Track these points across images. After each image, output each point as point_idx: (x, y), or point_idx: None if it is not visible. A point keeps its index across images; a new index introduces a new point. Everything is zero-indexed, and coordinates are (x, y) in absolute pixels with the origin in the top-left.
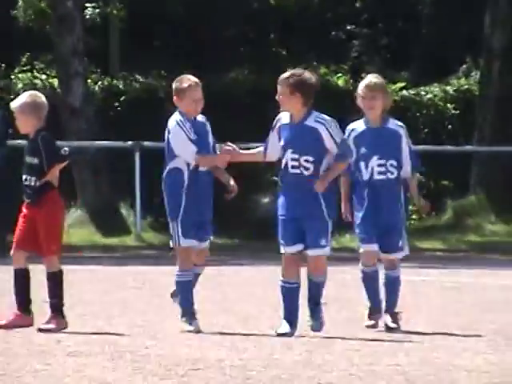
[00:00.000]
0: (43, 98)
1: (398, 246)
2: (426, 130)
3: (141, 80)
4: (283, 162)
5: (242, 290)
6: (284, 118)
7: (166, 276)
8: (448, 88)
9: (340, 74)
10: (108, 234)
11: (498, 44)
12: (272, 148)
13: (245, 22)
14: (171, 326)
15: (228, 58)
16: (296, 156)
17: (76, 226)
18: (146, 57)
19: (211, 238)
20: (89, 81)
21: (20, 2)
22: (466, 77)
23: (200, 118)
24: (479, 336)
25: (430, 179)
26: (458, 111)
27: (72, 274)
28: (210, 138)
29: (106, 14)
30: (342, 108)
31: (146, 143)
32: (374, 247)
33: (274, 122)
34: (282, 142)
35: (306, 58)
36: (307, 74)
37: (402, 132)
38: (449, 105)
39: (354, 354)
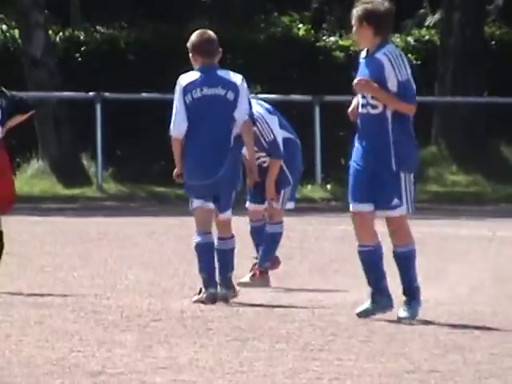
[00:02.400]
0: None
1: None
2: None
3: (102, 31)
4: None
5: None
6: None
7: (127, 227)
8: (409, 38)
9: (301, 25)
10: (69, 185)
11: None
12: None
13: None
14: (132, 277)
15: (188, 9)
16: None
17: (37, 178)
18: (107, 7)
19: None
20: (50, 32)
21: None
22: (421, 23)
23: None
24: (441, 286)
25: None
26: (419, 62)
27: (34, 225)
28: None
29: None
30: (304, 57)
31: (107, 94)
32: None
33: None
34: None
35: (266, 9)
36: (375, 3)
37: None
38: (410, 55)
39: (316, 305)
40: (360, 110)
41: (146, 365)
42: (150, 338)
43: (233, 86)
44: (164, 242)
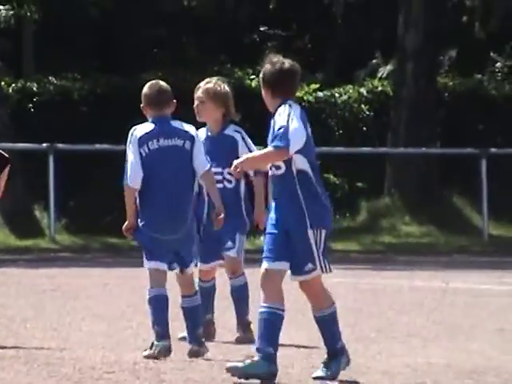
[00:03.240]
0: None
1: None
2: (340, 132)
3: (55, 82)
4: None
5: None
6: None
7: (81, 278)
8: (362, 90)
9: (253, 76)
10: (22, 236)
11: (411, 45)
12: None
13: (158, 24)
14: (86, 329)
15: (141, 60)
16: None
17: None
18: (60, 59)
19: None
20: (2, 83)
21: None
22: (375, 73)
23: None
24: (394, 338)
25: (344, 181)
26: (372, 113)
27: None
28: None
29: (20, 16)
30: (256, 110)
31: (60, 145)
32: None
33: None
34: None
35: (219, 61)
36: (270, 64)
37: (238, 137)
38: (363, 106)
39: None
40: (269, 171)
41: None
42: None
43: (189, 137)
44: (118, 293)
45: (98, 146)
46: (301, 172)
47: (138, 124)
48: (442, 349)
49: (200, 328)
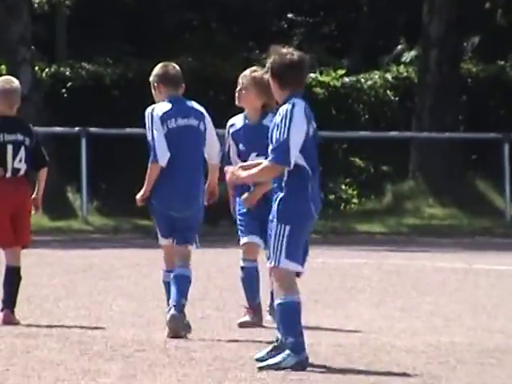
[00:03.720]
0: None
1: None
2: (366, 117)
3: (87, 67)
4: None
5: None
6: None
7: (112, 259)
8: (387, 75)
9: None
10: (55, 217)
11: (435, 32)
12: None
13: (188, 10)
14: (117, 308)
15: (172, 46)
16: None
17: None
18: (92, 44)
19: None
20: (36, 68)
21: None
22: (399, 59)
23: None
24: (417, 317)
25: (369, 164)
26: (397, 98)
27: (22, 258)
28: None
29: (53, 1)
30: None
31: (92, 129)
32: (255, 239)
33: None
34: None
35: (248, 47)
36: (278, 55)
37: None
38: (388, 92)
39: None
40: None
41: None
42: (134, 368)
43: (203, 117)
44: (148, 273)
45: (128, 129)
46: (296, 166)
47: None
48: (464, 328)
49: (184, 299)
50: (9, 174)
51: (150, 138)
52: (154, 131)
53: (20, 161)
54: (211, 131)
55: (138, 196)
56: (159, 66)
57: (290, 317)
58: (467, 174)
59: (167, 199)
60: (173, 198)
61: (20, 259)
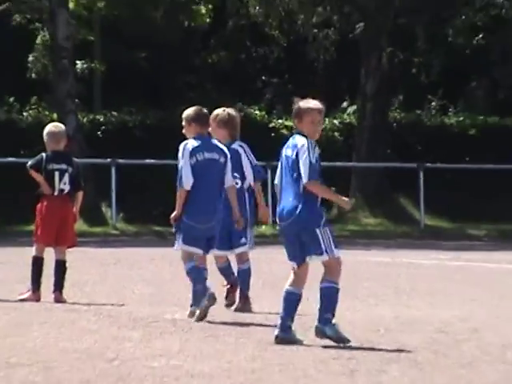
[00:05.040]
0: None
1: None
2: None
3: (116, 115)
4: None
5: None
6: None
7: (134, 255)
8: (335, 121)
9: (257, 112)
10: (92, 225)
11: (369, 91)
12: None
13: (189, 73)
14: (137, 292)
15: (177, 100)
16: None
17: None
18: (120, 98)
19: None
20: (79, 116)
21: (30, 58)
22: (344, 110)
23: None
24: (356, 298)
25: None
26: (342, 137)
27: (68, 254)
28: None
29: (91, 67)
30: (259, 136)
31: (120, 160)
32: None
33: None
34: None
35: (234, 102)
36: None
37: (241, 151)
38: (336, 133)
39: (270, 311)
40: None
41: (147, 353)
42: (150, 334)
43: (224, 153)
44: (162, 266)
45: (147, 160)
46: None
47: (180, 142)
48: (390, 305)
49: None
50: (56, 193)
51: (180, 166)
52: (184, 161)
53: (64, 184)
54: (229, 165)
55: (172, 216)
56: (192, 108)
57: (336, 300)
58: (393, 194)
59: (194, 214)
60: (199, 213)
61: (65, 254)
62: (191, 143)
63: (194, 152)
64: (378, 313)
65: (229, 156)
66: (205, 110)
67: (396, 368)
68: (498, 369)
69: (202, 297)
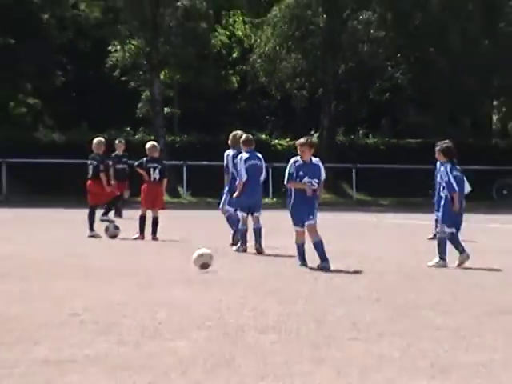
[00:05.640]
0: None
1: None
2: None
3: (185, 137)
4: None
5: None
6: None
7: (198, 214)
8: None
9: (263, 136)
10: (172, 197)
11: (325, 124)
12: None
13: (225, 115)
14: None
15: (219, 128)
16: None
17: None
18: (188, 128)
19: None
20: (166, 137)
21: (139, 105)
22: (313, 136)
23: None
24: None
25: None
26: None
27: (160, 214)
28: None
29: (172, 111)
30: (264, 150)
31: (189, 162)
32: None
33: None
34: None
35: (248, 129)
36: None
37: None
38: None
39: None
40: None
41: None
42: (172, 283)
43: (262, 160)
44: (210, 220)
45: (204, 162)
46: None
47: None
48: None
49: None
50: (152, 180)
51: (238, 168)
52: (242, 165)
53: (156, 174)
54: (264, 168)
55: (235, 195)
56: (243, 136)
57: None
58: (338, 181)
59: (247, 197)
60: (249, 197)
61: (158, 213)
62: (245, 155)
63: (246, 160)
64: (343, 264)
65: (263, 162)
66: (251, 136)
67: None
68: None
69: (239, 238)
